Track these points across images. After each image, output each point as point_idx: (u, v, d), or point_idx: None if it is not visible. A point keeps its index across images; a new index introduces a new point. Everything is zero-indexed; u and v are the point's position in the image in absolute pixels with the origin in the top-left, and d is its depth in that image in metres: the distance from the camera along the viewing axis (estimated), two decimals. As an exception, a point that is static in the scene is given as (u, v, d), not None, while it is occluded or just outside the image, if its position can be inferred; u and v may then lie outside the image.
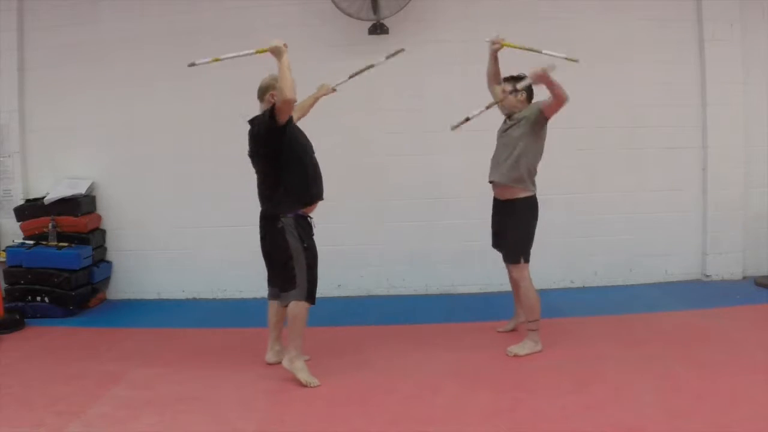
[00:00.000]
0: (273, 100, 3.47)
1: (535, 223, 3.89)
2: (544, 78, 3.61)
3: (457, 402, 3.20)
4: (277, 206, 3.50)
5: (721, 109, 5.32)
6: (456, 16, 5.30)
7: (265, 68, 3.64)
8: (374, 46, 5.23)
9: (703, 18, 5.28)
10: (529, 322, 3.87)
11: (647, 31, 5.31)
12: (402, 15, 5.13)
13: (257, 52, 3.42)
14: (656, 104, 5.34)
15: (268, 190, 3.53)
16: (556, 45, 5.16)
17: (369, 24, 5.16)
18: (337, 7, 5.06)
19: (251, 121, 3.58)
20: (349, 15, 5.08)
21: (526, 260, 3.87)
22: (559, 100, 3.67)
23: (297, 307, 3.49)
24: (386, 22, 5.16)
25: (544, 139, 3.90)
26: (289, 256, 3.47)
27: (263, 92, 3.55)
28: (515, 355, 3.77)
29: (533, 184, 3.89)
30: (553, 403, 3.12)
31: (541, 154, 3.91)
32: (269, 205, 3.54)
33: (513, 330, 4.24)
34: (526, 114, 3.85)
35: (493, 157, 3.99)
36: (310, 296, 3.52)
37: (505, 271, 4.09)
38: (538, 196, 3.92)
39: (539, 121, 3.81)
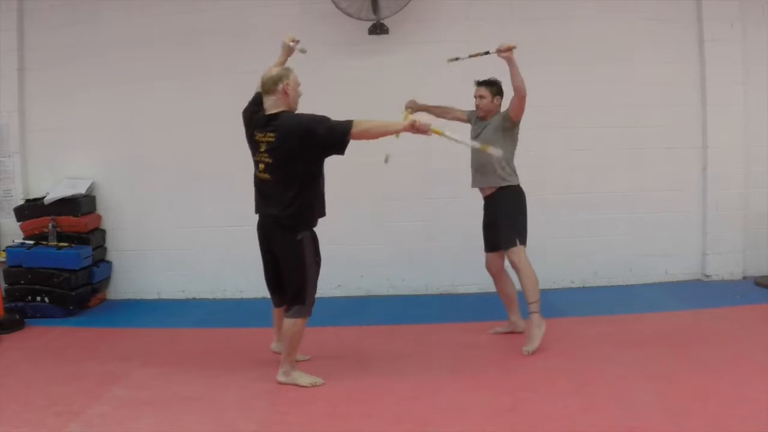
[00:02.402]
0: (288, 91, 3.32)
1: (524, 210, 3.94)
2: (509, 56, 3.71)
3: (457, 402, 3.19)
4: (297, 221, 3.35)
5: (721, 109, 5.32)
6: (456, 16, 5.30)
7: (264, 66, 3.64)
8: (374, 46, 5.25)
9: (703, 18, 5.28)
10: (530, 303, 3.86)
11: (647, 31, 5.31)
12: (402, 15, 5.14)
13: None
14: (656, 104, 5.34)
15: (292, 204, 3.31)
16: (557, 45, 5.24)
17: (369, 24, 5.17)
18: (337, 7, 5.06)
19: (278, 124, 3.31)
20: (349, 15, 5.08)
21: (522, 242, 3.90)
22: (519, 94, 3.77)
23: (296, 326, 3.39)
24: (386, 22, 5.16)
25: (517, 134, 3.97)
26: (303, 270, 3.36)
27: (274, 83, 3.30)
28: (533, 351, 3.76)
29: (513, 175, 3.96)
30: (553, 403, 3.12)
31: (514, 148, 3.99)
32: (287, 217, 3.34)
33: (500, 333, 4.23)
34: (494, 123, 3.95)
35: (471, 162, 4.05)
36: (311, 311, 3.47)
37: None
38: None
39: (507, 128, 3.91)
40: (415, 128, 3.32)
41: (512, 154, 3.97)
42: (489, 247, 4.12)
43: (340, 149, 3.29)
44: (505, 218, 3.93)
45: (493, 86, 3.99)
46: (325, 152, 3.34)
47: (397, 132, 3.40)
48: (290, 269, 3.41)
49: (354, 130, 3.23)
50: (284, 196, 3.33)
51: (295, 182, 3.32)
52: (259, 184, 3.46)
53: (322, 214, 3.52)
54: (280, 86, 3.31)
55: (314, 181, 3.39)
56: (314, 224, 3.47)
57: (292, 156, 3.28)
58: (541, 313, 3.86)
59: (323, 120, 3.28)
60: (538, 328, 3.84)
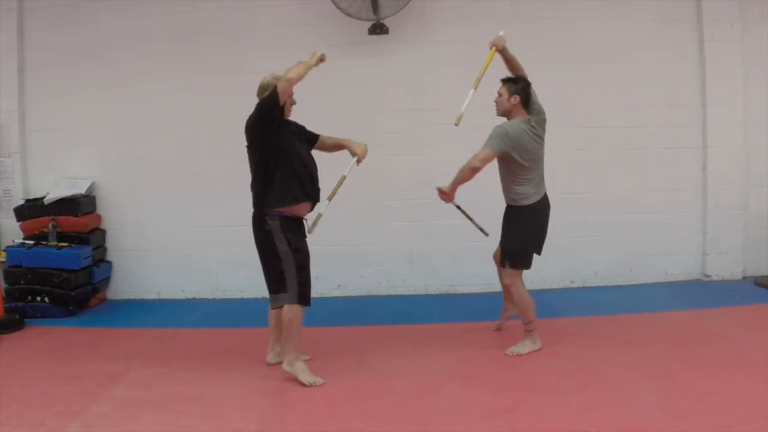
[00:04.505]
0: None
1: (528, 232, 3.85)
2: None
3: (457, 402, 3.20)
4: (262, 204, 3.48)
5: (721, 109, 5.31)
6: (456, 16, 5.30)
7: (265, 69, 3.66)
8: (374, 46, 5.25)
9: (703, 18, 5.28)
10: (524, 324, 3.88)
11: (647, 31, 5.31)
12: (402, 15, 5.14)
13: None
14: (656, 104, 5.34)
15: (255, 185, 3.52)
16: (557, 45, 5.25)
17: (369, 24, 5.16)
18: (337, 7, 5.06)
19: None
20: (349, 15, 5.08)
21: (512, 266, 3.84)
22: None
23: (290, 311, 3.47)
24: (386, 22, 5.16)
25: (527, 156, 3.77)
26: (277, 258, 3.45)
27: (263, 91, 3.52)
28: (517, 354, 3.78)
29: (533, 193, 3.84)
30: (553, 403, 3.12)
31: (518, 172, 3.80)
32: (257, 203, 3.52)
33: (501, 328, 4.27)
34: (488, 140, 3.81)
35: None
36: (303, 298, 3.48)
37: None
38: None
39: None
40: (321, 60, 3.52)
41: (520, 178, 3.80)
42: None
43: (273, 119, 3.43)
44: (506, 236, 3.90)
45: (512, 84, 3.83)
46: (264, 128, 3.44)
47: (311, 66, 3.48)
48: (265, 258, 3.54)
49: (280, 88, 3.37)
50: (253, 189, 3.54)
51: (255, 171, 3.52)
52: None
53: (296, 197, 3.48)
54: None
55: (272, 167, 3.44)
56: (282, 206, 3.44)
57: (250, 147, 3.52)
58: (535, 332, 3.86)
59: (258, 103, 3.49)
60: (533, 343, 3.85)
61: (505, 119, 3.90)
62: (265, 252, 3.51)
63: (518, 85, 3.85)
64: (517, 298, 3.86)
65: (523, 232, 3.85)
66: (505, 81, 3.90)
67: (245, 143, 3.56)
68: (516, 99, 3.83)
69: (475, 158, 3.76)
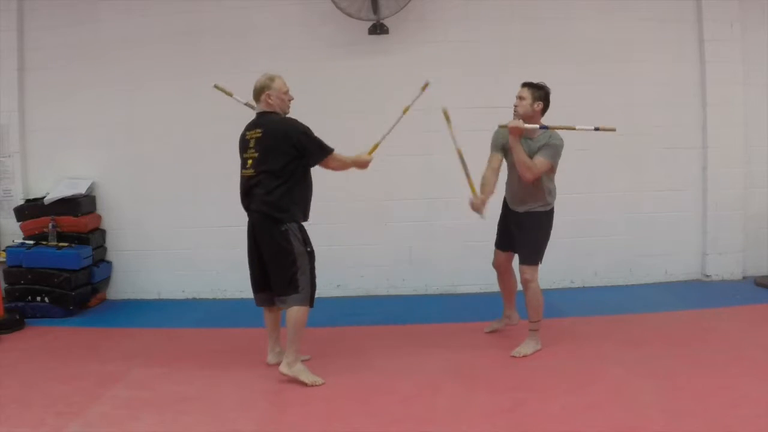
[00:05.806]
0: (270, 101, 3.49)
1: (550, 230, 3.95)
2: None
3: (457, 402, 3.20)
4: (282, 213, 3.44)
5: (721, 109, 5.32)
6: (456, 16, 5.31)
7: (265, 69, 3.66)
8: (374, 46, 5.25)
9: (703, 18, 5.28)
10: (532, 322, 3.88)
11: (647, 31, 5.31)
12: (402, 15, 5.14)
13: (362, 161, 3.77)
14: (656, 104, 5.34)
15: (276, 196, 3.43)
16: (557, 45, 5.25)
17: (369, 24, 5.17)
18: (337, 7, 5.06)
19: (264, 120, 3.50)
20: (349, 15, 5.08)
21: (541, 262, 3.90)
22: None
23: (299, 312, 3.46)
24: (386, 22, 5.16)
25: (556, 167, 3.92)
26: (293, 260, 3.43)
27: (259, 92, 3.53)
28: (524, 356, 3.78)
29: (552, 196, 3.93)
30: (553, 403, 3.12)
31: (553, 174, 3.93)
32: (271, 209, 3.44)
33: (496, 330, 4.27)
34: (548, 151, 3.78)
35: (510, 181, 3.96)
36: (312, 300, 3.53)
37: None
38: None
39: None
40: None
41: (548, 183, 3.91)
42: (504, 246, 4.08)
43: (312, 162, 3.54)
44: (536, 236, 3.89)
45: (536, 89, 3.76)
46: (300, 157, 3.47)
47: (358, 166, 3.75)
48: (278, 259, 3.47)
49: (330, 157, 3.54)
50: (267, 189, 3.44)
51: (278, 176, 3.44)
52: (245, 183, 3.56)
53: (306, 216, 3.60)
54: (263, 96, 3.53)
55: (296, 179, 3.48)
56: (299, 219, 3.54)
57: (275, 151, 3.44)
58: (539, 332, 3.87)
59: (306, 130, 3.50)
60: (536, 343, 3.86)
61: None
62: (278, 253, 3.45)
63: (542, 92, 3.79)
64: (533, 295, 3.85)
65: (548, 233, 3.91)
66: (528, 85, 3.81)
67: (256, 147, 3.49)
68: (539, 105, 3.79)
69: (538, 168, 3.74)
